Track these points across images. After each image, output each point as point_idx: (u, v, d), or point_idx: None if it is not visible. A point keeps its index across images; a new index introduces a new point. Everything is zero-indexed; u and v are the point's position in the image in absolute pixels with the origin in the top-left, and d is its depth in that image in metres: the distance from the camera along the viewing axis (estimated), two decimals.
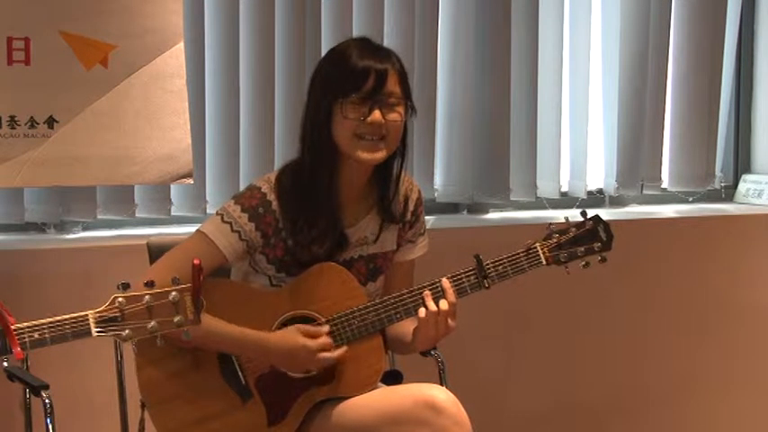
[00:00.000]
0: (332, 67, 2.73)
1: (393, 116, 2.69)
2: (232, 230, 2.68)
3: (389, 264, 2.86)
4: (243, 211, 2.70)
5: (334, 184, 2.73)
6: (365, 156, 2.69)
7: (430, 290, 2.73)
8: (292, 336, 2.65)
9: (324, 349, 2.66)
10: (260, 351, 2.66)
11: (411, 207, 2.87)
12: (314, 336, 2.66)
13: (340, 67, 2.70)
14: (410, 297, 2.74)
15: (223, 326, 2.63)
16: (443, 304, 2.70)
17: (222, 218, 2.69)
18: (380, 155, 2.70)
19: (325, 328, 2.68)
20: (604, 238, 2.85)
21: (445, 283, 2.73)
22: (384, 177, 2.79)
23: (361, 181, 2.78)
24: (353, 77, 2.66)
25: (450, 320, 2.71)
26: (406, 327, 2.82)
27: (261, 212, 2.70)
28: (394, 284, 2.85)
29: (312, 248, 2.70)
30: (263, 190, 2.73)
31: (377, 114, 2.67)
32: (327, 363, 2.67)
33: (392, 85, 2.69)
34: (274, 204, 2.71)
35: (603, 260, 2.85)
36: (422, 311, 2.71)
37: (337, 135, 2.69)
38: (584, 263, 2.84)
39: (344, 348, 2.68)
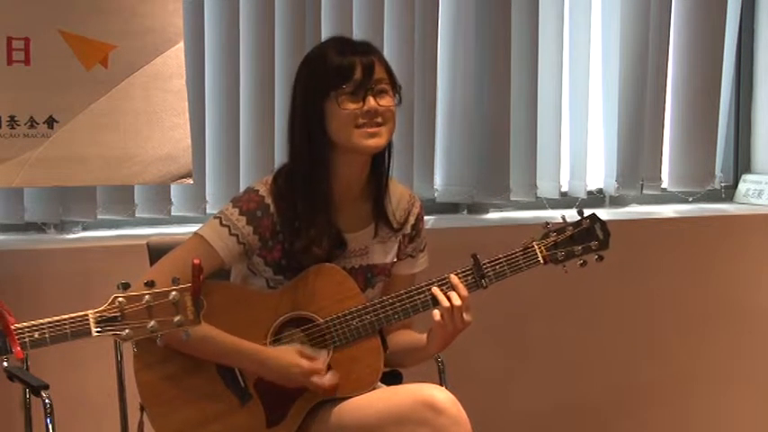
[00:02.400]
0: (315, 67, 2.74)
1: (386, 101, 2.71)
2: (230, 234, 2.68)
3: (387, 273, 2.85)
4: (241, 214, 2.70)
5: (330, 183, 2.73)
6: (368, 143, 2.69)
7: (437, 286, 2.73)
8: (289, 354, 2.66)
9: (315, 373, 2.65)
10: (254, 364, 2.66)
11: (412, 220, 2.86)
12: (311, 358, 2.66)
13: (324, 65, 2.71)
14: (408, 297, 2.74)
15: (220, 336, 2.63)
16: (456, 299, 2.70)
17: (220, 221, 2.69)
18: (382, 140, 2.71)
19: (323, 354, 2.68)
20: (601, 237, 2.85)
21: (454, 278, 2.73)
22: (379, 180, 2.80)
23: (358, 181, 2.77)
24: (342, 70, 2.68)
25: (465, 315, 2.71)
26: (413, 335, 2.83)
27: (259, 216, 2.70)
28: None
29: (312, 250, 2.70)
30: (260, 193, 2.73)
31: (371, 101, 2.68)
32: (315, 388, 2.67)
33: (380, 72, 2.71)
34: (272, 208, 2.71)
35: (600, 258, 2.85)
36: (436, 314, 2.70)
37: (335, 130, 2.69)
38: (581, 261, 2.84)
39: (337, 376, 2.68)
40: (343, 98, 2.68)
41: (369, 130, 2.68)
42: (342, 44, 2.76)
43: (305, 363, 2.65)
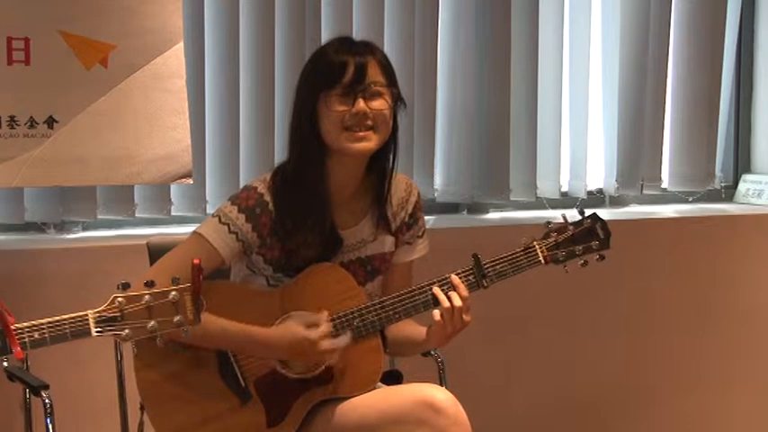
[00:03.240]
0: (312, 65, 2.74)
1: (378, 104, 2.68)
2: (229, 232, 2.68)
3: (387, 265, 2.85)
4: (240, 211, 2.69)
5: (324, 183, 2.72)
6: (355, 146, 2.67)
7: (438, 286, 2.72)
8: (293, 328, 2.64)
9: (324, 338, 2.63)
10: (262, 346, 2.65)
11: (409, 209, 2.86)
12: (314, 324, 2.64)
13: (319, 63, 2.71)
14: (409, 297, 2.74)
15: (223, 323, 2.62)
16: (456, 300, 2.69)
17: (219, 219, 2.69)
18: (370, 144, 2.69)
19: (325, 314, 2.66)
20: (602, 237, 2.85)
21: (455, 279, 2.72)
22: (379, 177, 2.79)
23: (354, 181, 2.77)
24: (333, 70, 2.66)
25: (464, 315, 2.70)
26: (414, 328, 2.82)
27: (257, 213, 2.70)
28: (391, 286, 2.84)
29: (303, 249, 2.70)
30: (259, 190, 2.72)
31: (361, 103, 2.66)
32: (332, 351, 2.64)
33: (374, 74, 2.68)
34: (271, 205, 2.71)
35: (602, 258, 2.85)
36: (436, 314, 2.69)
37: (325, 130, 2.68)
38: (582, 261, 2.84)
39: (348, 335, 2.66)
40: (332, 99, 2.66)
41: (357, 134, 2.66)
42: (341, 44, 2.74)
43: (312, 333, 2.62)
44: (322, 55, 2.72)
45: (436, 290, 2.71)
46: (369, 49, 2.73)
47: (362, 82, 2.66)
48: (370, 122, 2.67)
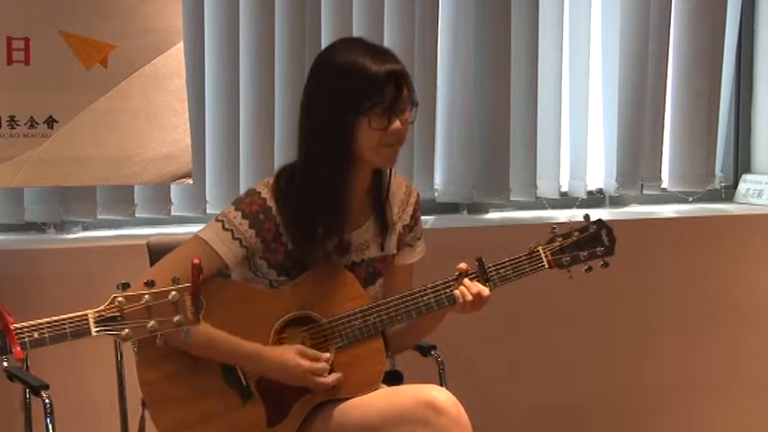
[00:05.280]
0: (346, 76, 2.66)
1: (407, 117, 2.71)
2: (233, 238, 2.67)
3: (388, 267, 2.85)
4: (244, 217, 2.69)
5: (346, 191, 2.72)
6: (390, 163, 2.73)
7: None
8: (289, 353, 2.66)
9: (317, 374, 2.66)
10: (255, 363, 2.67)
11: (410, 210, 2.87)
12: (313, 359, 2.67)
13: (358, 78, 2.64)
14: (412, 299, 2.74)
15: (221, 336, 2.64)
16: (473, 289, 2.72)
17: (223, 225, 2.68)
18: (397, 156, 2.73)
19: (326, 355, 2.69)
20: (607, 243, 2.84)
21: (466, 281, 2.74)
22: (378, 178, 2.80)
23: (363, 186, 2.77)
24: (375, 89, 2.63)
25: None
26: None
27: (261, 219, 2.69)
28: (393, 288, 2.84)
29: (316, 250, 2.70)
30: (263, 195, 2.71)
31: (397, 123, 2.67)
32: (318, 387, 2.68)
33: (406, 91, 2.69)
34: (274, 210, 2.70)
35: (605, 265, 2.84)
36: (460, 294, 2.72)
37: (361, 145, 2.67)
38: (586, 267, 2.83)
39: (338, 375, 2.68)
40: (374, 118, 2.64)
41: (394, 147, 2.69)
42: (376, 58, 2.67)
43: (305, 362, 2.65)
44: (361, 70, 2.64)
45: (457, 292, 2.72)
46: (395, 58, 2.72)
47: (399, 99, 2.67)
48: (400, 137, 2.70)
